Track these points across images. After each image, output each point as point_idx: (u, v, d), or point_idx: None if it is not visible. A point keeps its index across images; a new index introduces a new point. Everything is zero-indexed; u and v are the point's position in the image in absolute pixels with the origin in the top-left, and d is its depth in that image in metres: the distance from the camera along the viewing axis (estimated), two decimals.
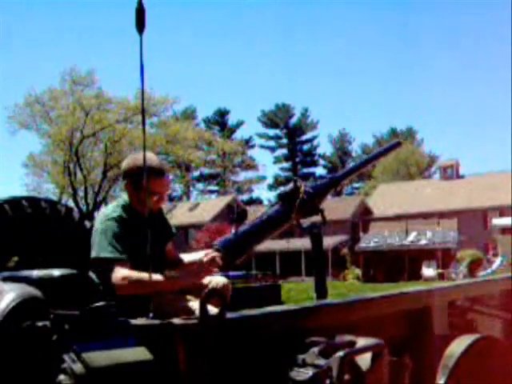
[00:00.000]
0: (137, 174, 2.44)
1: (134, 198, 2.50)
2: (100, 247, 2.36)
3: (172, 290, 2.41)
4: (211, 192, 59.90)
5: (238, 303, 2.03)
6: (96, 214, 32.62)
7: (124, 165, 2.57)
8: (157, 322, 1.48)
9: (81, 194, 32.61)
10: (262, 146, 64.35)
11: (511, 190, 26.71)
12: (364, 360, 1.69)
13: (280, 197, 2.69)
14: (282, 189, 2.70)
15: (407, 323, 2.21)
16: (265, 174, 64.04)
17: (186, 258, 2.72)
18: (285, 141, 64.19)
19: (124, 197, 2.57)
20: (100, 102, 30.77)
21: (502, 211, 32.22)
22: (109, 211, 2.51)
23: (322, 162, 64.95)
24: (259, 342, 1.66)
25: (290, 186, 2.70)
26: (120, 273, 2.25)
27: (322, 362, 1.58)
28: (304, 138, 64.29)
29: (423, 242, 32.73)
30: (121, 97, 31.30)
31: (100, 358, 1.23)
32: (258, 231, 2.54)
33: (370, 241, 34.43)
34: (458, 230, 32.41)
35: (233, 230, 2.43)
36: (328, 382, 1.55)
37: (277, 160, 64.30)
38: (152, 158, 2.50)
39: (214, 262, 2.34)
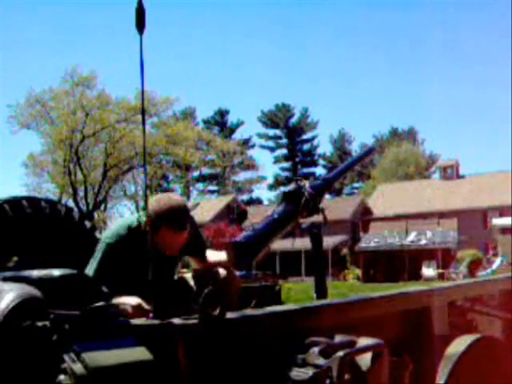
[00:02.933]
0: (155, 220, 2.31)
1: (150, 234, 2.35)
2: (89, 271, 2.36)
3: None
4: (211, 192, 59.88)
5: (238, 303, 2.03)
6: (96, 214, 32.68)
7: (150, 206, 2.38)
8: (157, 322, 1.48)
9: (81, 193, 32.62)
10: (262, 146, 64.38)
11: (511, 190, 26.72)
12: (364, 360, 1.69)
13: (284, 196, 2.70)
14: (285, 188, 2.72)
15: (407, 323, 2.21)
16: (265, 174, 64.04)
17: (210, 256, 2.72)
18: (285, 141, 64.19)
19: (139, 215, 2.46)
20: (100, 103, 30.79)
21: (502, 211, 32.22)
22: (111, 232, 2.47)
23: (321, 161, 64.97)
24: (259, 342, 1.66)
25: (293, 185, 2.72)
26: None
27: (321, 361, 1.58)
28: (304, 137, 64.30)
29: (423, 242, 32.71)
30: (121, 97, 31.33)
31: (100, 357, 1.23)
32: (271, 230, 2.55)
33: (370, 241, 34.42)
34: (457, 230, 32.40)
35: (247, 229, 2.43)
36: (328, 382, 1.55)
37: (277, 160, 64.32)
38: (176, 204, 2.39)
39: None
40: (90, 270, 2.36)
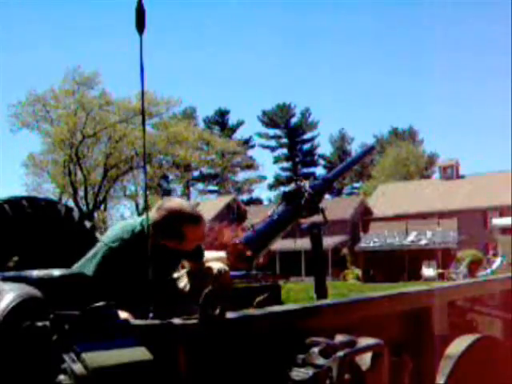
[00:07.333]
0: (174, 221, 2.36)
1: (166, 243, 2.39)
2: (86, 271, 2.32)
3: None
4: (211, 192, 59.83)
5: (238, 303, 2.03)
6: (96, 214, 32.69)
7: (161, 210, 2.41)
8: (157, 322, 1.48)
9: (81, 193, 32.63)
10: (263, 146, 64.39)
11: (511, 190, 26.71)
12: (364, 360, 1.69)
13: (284, 197, 2.71)
14: (285, 189, 2.76)
15: (407, 323, 2.21)
16: (265, 174, 64.10)
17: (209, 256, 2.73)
18: (285, 140, 64.18)
19: (142, 219, 2.43)
20: (101, 103, 30.80)
21: (502, 211, 32.21)
22: (113, 235, 2.44)
23: (321, 162, 64.95)
24: (259, 342, 1.66)
25: (293, 186, 2.75)
26: None
27: (321, 361, 1.58)
28: (304, 137, 64.28)
29: (423, 242, 32.73)
30: (122, 97, 31.34)
31: (100, 358, 1.23)
32: (272, 230, 2.58)
33: (370, 241, 34.43)
34: (457, 230, 32.41)
35: (248, 230, 2.46)
36: (328, 382, 1.55)
37: (277, 160, 64.32)
38: (185, 204, 2.48)
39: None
40: (87, 270, 2.31)
